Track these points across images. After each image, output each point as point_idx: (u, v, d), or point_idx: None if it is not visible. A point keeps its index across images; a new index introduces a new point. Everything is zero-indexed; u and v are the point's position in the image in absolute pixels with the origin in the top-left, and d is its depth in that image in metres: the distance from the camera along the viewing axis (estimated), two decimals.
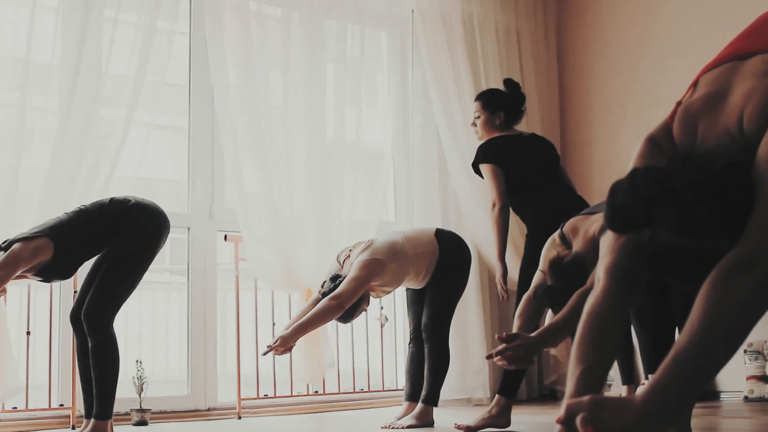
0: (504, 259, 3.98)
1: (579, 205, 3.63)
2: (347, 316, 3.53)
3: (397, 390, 4.74)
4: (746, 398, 4.27)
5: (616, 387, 4.39)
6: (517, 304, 3.38)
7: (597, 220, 2.93)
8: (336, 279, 3.56)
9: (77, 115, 3.82)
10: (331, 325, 4.31)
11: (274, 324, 4.36)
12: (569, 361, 1.54)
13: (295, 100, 4.47)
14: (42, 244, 3.03)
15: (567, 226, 3.05)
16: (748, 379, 4.27)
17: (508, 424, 3.34)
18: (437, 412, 3.64)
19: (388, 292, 3.79)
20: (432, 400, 3.61)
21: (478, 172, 3.96)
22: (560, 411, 1.37)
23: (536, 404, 4.66)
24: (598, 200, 4.88)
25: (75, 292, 3.67)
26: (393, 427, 3.50)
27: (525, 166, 3.87)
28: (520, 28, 5.36)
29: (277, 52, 4.51)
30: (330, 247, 4.31)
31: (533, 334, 2.72)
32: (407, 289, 3.88)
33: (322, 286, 3.62)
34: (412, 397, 3.73)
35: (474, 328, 4.79)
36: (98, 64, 3.93)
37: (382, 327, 4.74)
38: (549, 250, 3.04)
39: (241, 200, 4.23)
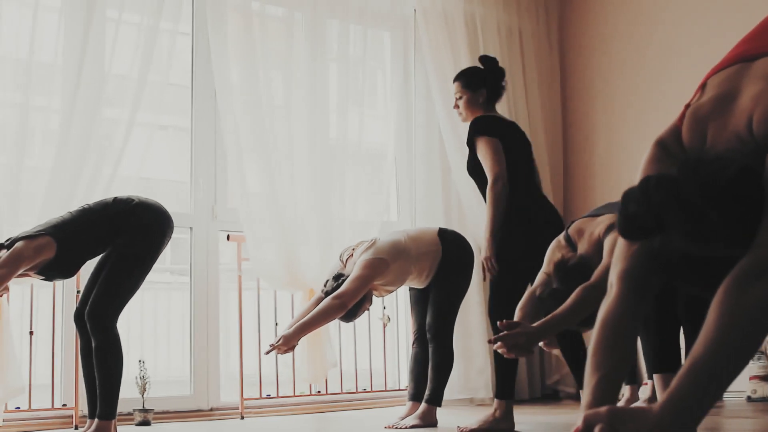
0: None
1: (542, 206, 3.59)
2: (350, 315, 3.53)
3: (399, 390, 4.74)
4: (749, 398, 4.27)
5: None
6: (493, 317, 3.35)
7: (602, 222, 2.93)
8: (339, 278, 3.56)
9: (80, 116, 3.82)
10: (334, 325, 4.31)
11: (276, 324, 4.36)
12: (585, 369, 1.54)
13: (297, 100, 4.47)
14: (45, 243, 3.03)
15: (572, 228, 3.05)
16: (751, 379, 4.27)
17: (512, 427, 3.31)
18: (440, 412, 3.64)
19: (391, 292, 3.80)
20: (436, 400, 3.61)
21: (471, 149, 3.64)
22: (578, 422, 1.37)
23: (538, 404, 4.65)
24: (600, 199, 4.91)
25: (78, 291, 3.67)
26: (396, 427, 3.50)
27: (514, 152, 3.60)
28: (523, 28, 5.36)
29: (280, 52, 4.51)
30: (332, 247, 4.31)
31: (535, 324, 2.72)
32: (410, 289, 3.88)
33: (325, 285, 3.62)
34: (416, 397, 3.73)
35: (476, 328, 4.79)
36: (101, 65, 3.93)
37: (384, 327, 4.74)
38: (554, 252, 3.03)
39: (244, 200, 4.24)
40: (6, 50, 3.76)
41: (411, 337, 3.90)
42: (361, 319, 3.93)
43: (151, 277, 3.30)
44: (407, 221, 4.97)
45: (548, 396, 5.09)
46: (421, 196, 4.97)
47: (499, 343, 2.63)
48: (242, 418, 4.15)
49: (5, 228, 3.53)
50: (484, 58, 3.81)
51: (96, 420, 3.13)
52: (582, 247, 2.93)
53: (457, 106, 3.77)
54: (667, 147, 1.61)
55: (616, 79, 5.27)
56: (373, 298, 3.68)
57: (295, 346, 3.44)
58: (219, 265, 4.41)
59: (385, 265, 3.54)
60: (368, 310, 3.67)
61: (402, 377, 4.87)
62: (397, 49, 5.06)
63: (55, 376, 3.82)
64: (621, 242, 1.59)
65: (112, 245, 3.19)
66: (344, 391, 4.66)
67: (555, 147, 5.44)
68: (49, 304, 3.87)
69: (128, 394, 3.74)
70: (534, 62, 5.35)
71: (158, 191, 4.40)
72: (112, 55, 3.96)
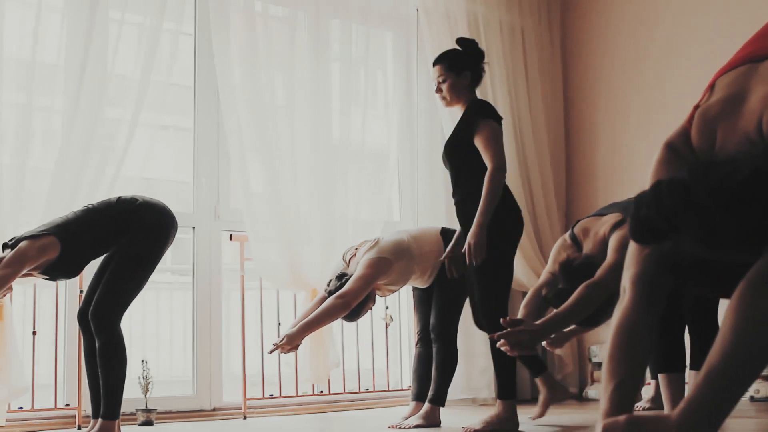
0: None
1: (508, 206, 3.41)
2: (353, 315, 3.54)
3: (402, 390, 4.74)
4: (752, 398, 4.27)
5: None
6: (479, 321, 3.34)
7: (607, 222, 2.94)
8: (342, 278, 3.57)
9: (83, 116, 3.82)
10: (337, 325, 4.31)
11: (279, 324, 4.37)
12: (600, 376, 1.54)
13: (300, 100, 4.48)
14: (49, 243, 3.04)
15: (578, 227, 3.05)
16: None
17: (516, 427, 3.30)
18: (443, 413, 3.64)
19: (394, 291, 3.80)
20: (439, 400, 3.61)
21: (470, 129, 3.43)
22: (597, 430, 1.37)
23: None
24: (602, 198, 4.90)
25: (81, 292, 3.67)
26: (400, 427, 3.50)
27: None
28: (525, 28, 5.35)
29: (282, 52, 4.51)
30: (335, 247, 4.31)
31: (538, 322, 2.72)
32: (414, 289, 3.88)
33: (328, 285, 3.62)
34: (419, 397, 3.73)
35: None
36: (104, 65, 3.94)
37: (387, 327, 4.74)
38: (559, 252, 3.04)
39: (246, 200, 4.23)
40: (9, 50, 3.76)
41: (414, 337, 3.90)
42: (364, 319, 3.93)
43: (153, 276, 3.30)
44: (410, 221, 4.96)
45: None
46: (424, 196, 4.97)
47: (502, 341, 2.63)
48: (245, 418, 4.15)
49: (9, 228, 3.53)
50: (462, 41, 3.63)
51: (99, 420, 3.13)
52: (587, 246, 2.94)
53: (440, 90, 3.55)
54: (676, 149, 1.61)
55: (619, 78, 5.27)
56: (376, 297, 3.69)
57: (298, 346, 3.44)
58: (222, 265, 4.41)
59: (388, 265, 3.54)
60: (371, 309, 3.67)
61: (404, 377, 4.87)
62: (400, 48, 5.06)
63: (58, 376, 3.83)
64: (633, 246, 1.59)
65: (116, 245, 3.20)
66: (347, 391, 4.65)
67: (557, 146, 5.43)
68: (52, 304, 3.87)
69: (131, 394, 3.73)
70: (536, 62, 5.35)
71: (161, 191, 4.40)
72: (115, 55, 3.96)
